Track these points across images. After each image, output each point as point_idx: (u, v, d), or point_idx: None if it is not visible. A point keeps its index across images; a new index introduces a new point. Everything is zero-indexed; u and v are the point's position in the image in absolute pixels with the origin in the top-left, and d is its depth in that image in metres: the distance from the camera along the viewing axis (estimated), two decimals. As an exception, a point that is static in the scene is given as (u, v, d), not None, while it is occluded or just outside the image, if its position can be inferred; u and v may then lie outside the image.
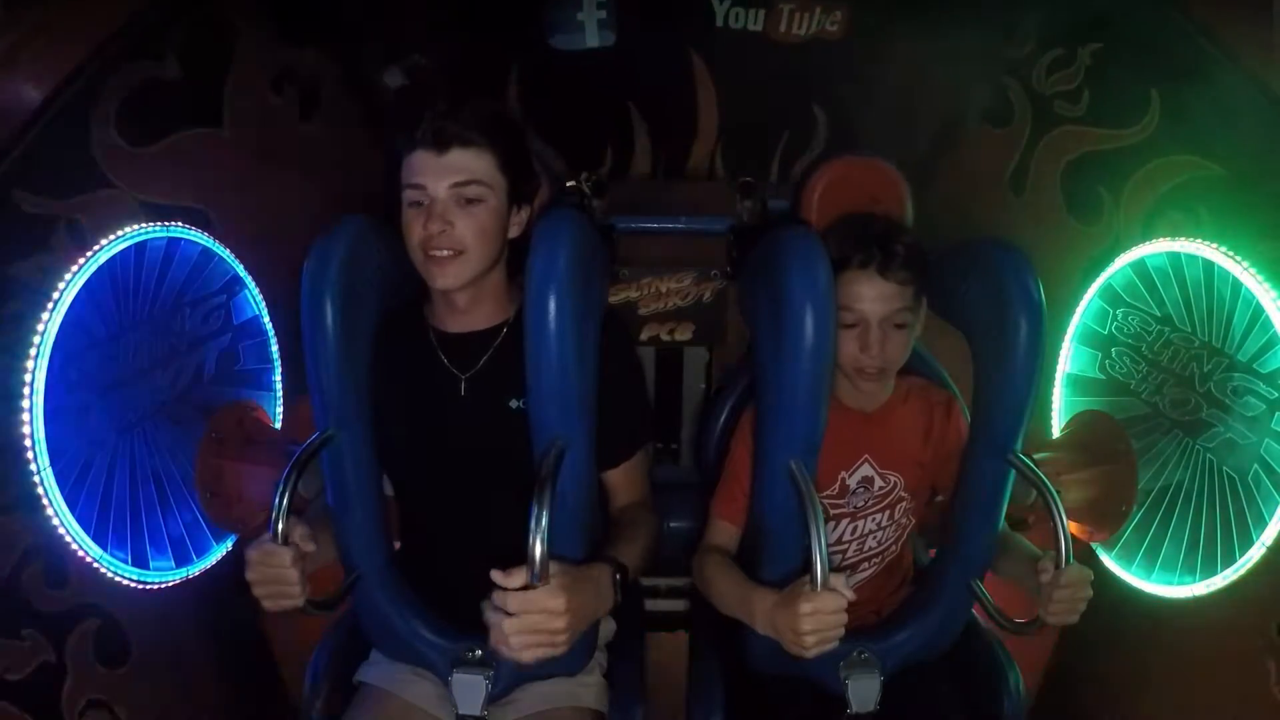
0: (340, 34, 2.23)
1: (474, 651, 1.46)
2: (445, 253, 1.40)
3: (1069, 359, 2.04)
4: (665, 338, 2.32)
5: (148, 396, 1.73)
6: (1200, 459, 1.72)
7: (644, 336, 2.31)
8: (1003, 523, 1.55)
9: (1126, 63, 1.87)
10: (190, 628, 1.88)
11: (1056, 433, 2.03)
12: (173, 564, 1.77)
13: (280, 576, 1.30)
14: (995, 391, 1.47)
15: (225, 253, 1.89)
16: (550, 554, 1.21)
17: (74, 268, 1.51)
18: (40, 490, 1.47)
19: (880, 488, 1.62)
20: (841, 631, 1.30)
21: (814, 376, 1.38)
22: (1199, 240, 1.67)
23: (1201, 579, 1.68)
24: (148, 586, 1.70)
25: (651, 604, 2.22)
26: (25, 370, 1.43)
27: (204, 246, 1.83)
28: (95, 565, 1.57)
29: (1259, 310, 1.57)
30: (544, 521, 1.19)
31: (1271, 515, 1.56)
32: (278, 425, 2.06)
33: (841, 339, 1.50)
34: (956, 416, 1.65)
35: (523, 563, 1.21)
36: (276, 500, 1.29)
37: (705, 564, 1.58)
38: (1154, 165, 1.80)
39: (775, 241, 1.45)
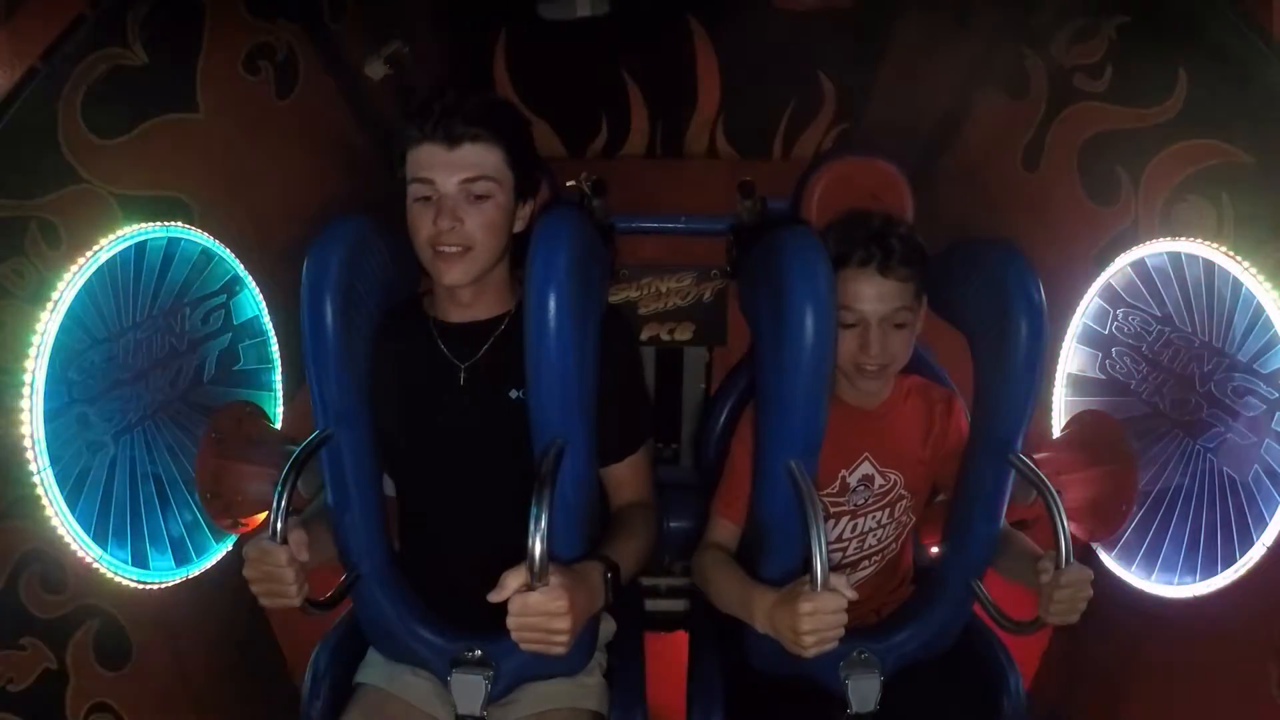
0: (313, 3, 2.14)
1: (473, 651, 1.46)
2: (454, 249, 1.41)
3: (1069, 359, 2.03)
4: (665, 338, 2.32)
5: (148, 396, 1.73)
6: (1200, 459, 1.72)
7: (644, 336, 2.31)
8: (1003, 523, 1.55)
9: (1154, 39, 1.79)
10: (190, 628, 1.87)
11: (1056, 433, 2.03)
12: (173, 564, 1.77)
13: (277, 575, 1.30)
14: (995, 391, 1.47)
15: (225, 253, 1.88)
16: (549, 553, 1.21)
17: (74, 268, 1.51)
18: (40, 491, 1.47)
19: (880, 486, 1.62)
20: (841, 631, 1.30)
21: (814, 376, 1.38)
22: (1198, 241, 1.67)
23: (1201, 579, 1.68)
24: (148, 586, 1.70)
25: (651, 604, 2.22)
26: (25, 370, 1.43)
27: (204, 246, 1.83)
28: (95, 565, 1.57)
29: (1259, 310, 1.57)
30: (543, 520, 1.19)
31: (1271, 515, 1.56)
32: (278, 425, 2.06)
33: (841, 338, 1.50)
34: (957, 415, 1.65)
35: (521, 560, 1.21)
36: (275, 499, 1.30)
37: (705, 563, 1.58)
38: (1177, 148, 1.73)
39: (775, 241, 1.45)
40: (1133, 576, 1.82)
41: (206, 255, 1.84)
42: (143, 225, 1.65)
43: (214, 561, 1.88)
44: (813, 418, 1.41)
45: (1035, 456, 1.70)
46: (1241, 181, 1.61)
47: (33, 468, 1.45)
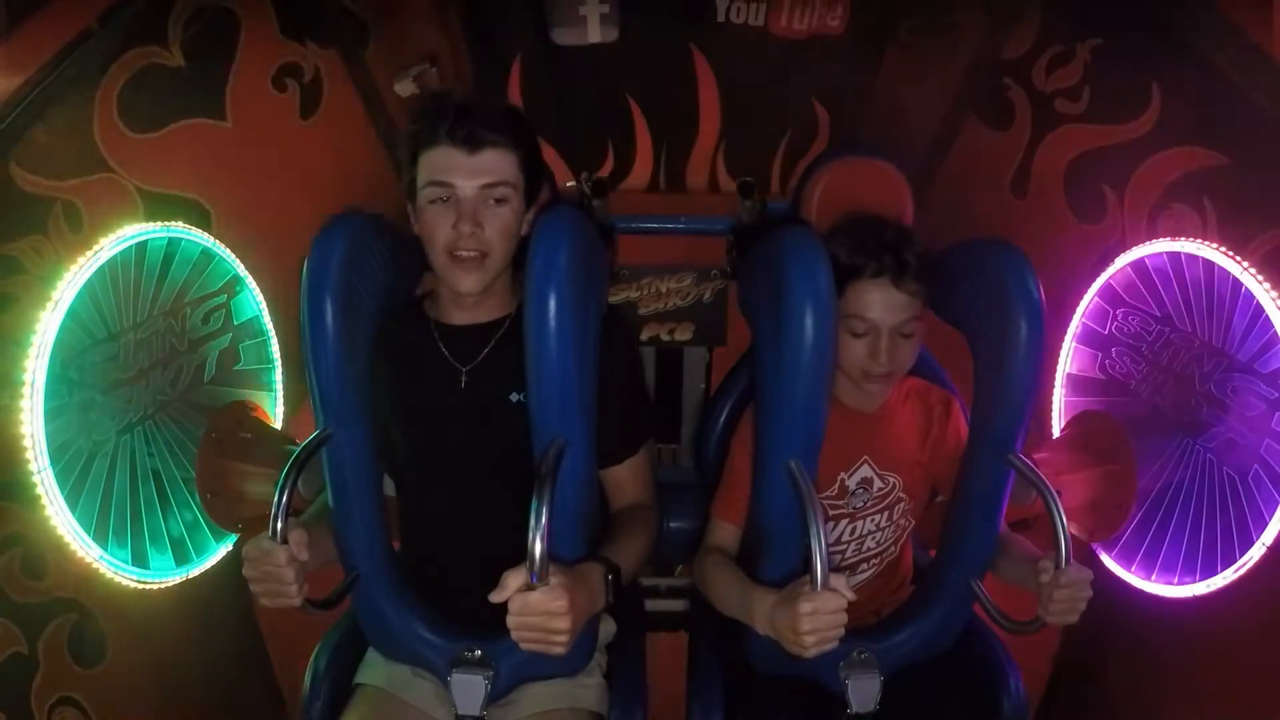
0: (342, 30, 2.21)
1: (473, 652, 1.46)
2: (472, 254, 1.41)
3: (1069, 359, 2.03)
4: (665, 338, 2.32)
5: (148, 396, 1.73)
6: (1200, 459, 1.72)
7: (644, 336, 2.31)
8: (1003, 523, 1.55)
9: (1126, 55, 1.83)
10: (189, 627, 1.87)
11: (1056, 433, 2.03)
12: (173, 564, 1.77)
13: (277, 575, 1.30)
14: (995, 391, 1.47)
15: (225, 253, 1.89)
16: (549, 554, 1.21)
17: (74, 267, 1.51)
18: (41, 490, 1.47)
19: (879, 489, 1.62)
20: (841, 632, 1.30)
21: (814, 376, 1.37)
22: (1198, 241, 1.67)
23: (1201, 579, 1.68)
24: (148, 586, 1.70)
25: (651, 604, 2.22)
26: (25, 369, 1.43)
27: (204, 247, 1.83)
28: (93, 565, 1.57)
29: (1259, 310, 1.57)
30: (544, 520, 1.19)
31: (1271, 515, 1.56)
32: (278, 425, 2.06)
33: (851, 346, 1.50)
34: (956, 417, 1.65)
35: (521, 561, 1.21)
36: (275, 499, 1.29)
37: (705, 564, 1.58)
38: (1158, 159, 1.77)
39: (775, 241, 1.45)
40: (1133, 576, 1.82)
41: (207, 255, 1.84)
42: (143, 225, 1.65)
43: (214, 561, 1.88)
44: (813, 418, 1.41)
45: (1035, 456, 1.70)
46: (1220, 182, 1.64)
47: (33, 467, 1.45)
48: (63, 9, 1.47)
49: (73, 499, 1.53)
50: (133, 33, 1.58)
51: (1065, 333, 2.02)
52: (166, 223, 1.71)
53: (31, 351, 1.44)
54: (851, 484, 1.61)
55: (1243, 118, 1.57)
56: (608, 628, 1.66)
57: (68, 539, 1.52)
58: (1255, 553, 1.58)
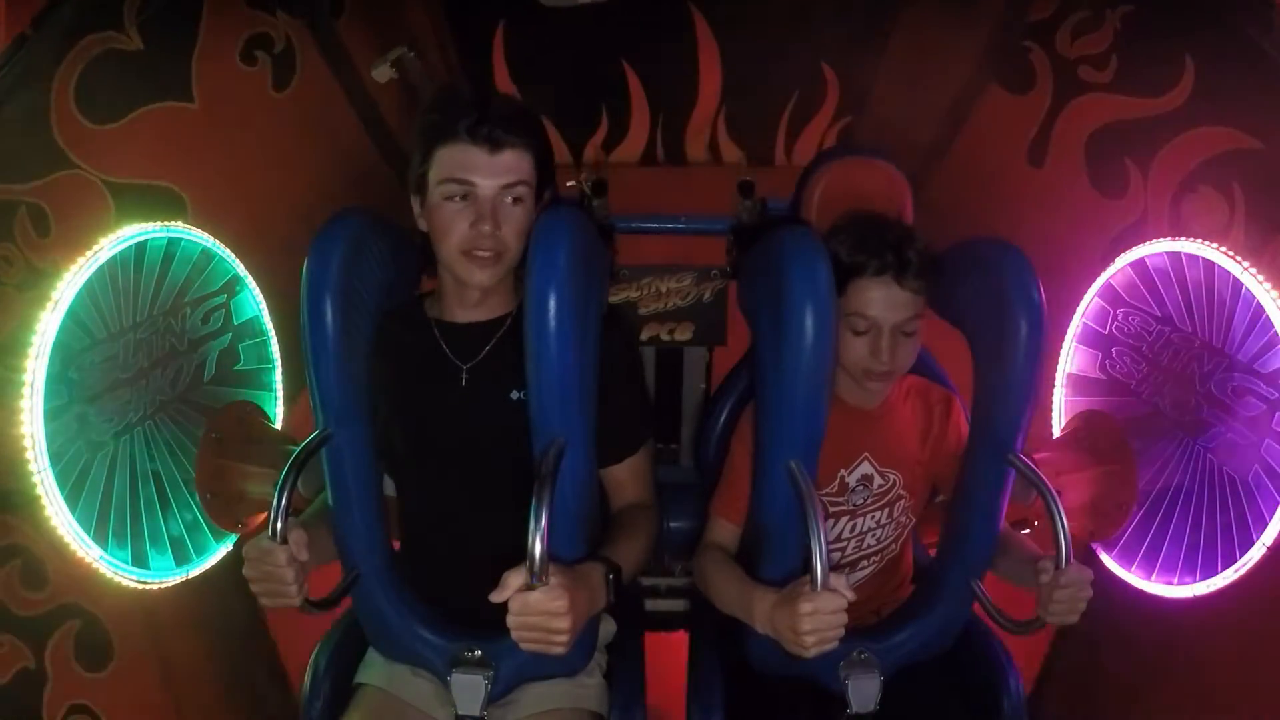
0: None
1: (473, 651, 1.46)
2: (488, 254, 1.41)
3: (1069, 359, 2.03)
4: (665, 338, 2.32)
5: (148, 396, 1.73)
6: (1200, 459, 1.72)
7: (644, 336, 2.31)
8: (1003, 523, 1.55)
9: (1160, 26, 1.76)
10: (181, 629, 1.86)
11: (1056, 433, 2.03)
12: (173, 564, 1.77)
13: (277, 575, 1.30)
14: (995, 391, 1.47)
15: (225, 253, 1.88)
16: (549, 553, 1.21)
17: (74, 268, 1.51)
18: (40, 491, 1.47)
19: (879, 486, 1.62)
20: (841, 631, 1.30)
21: (814, 376, 1.37)
22: (1202, 240, 1.67)
23: (1201, 579, 1.68)
24: (148, 586, 1.70)
25: (651, 604, 2.22)
26: (25, 370, 1.43)
27: (204, 246, 1.83)
28: (92, 565, 1.57)
29: (1259, 310, 1.57)
30: (544, 520, 1.19)
31: (1271, 515, 1.56)
32: (278, 425, 2.06)
33: (852, 344, 1.50)
34: (956, 416, 1.65)
35: (521, 561, 1.21)
36: (275, 499, 1.30)
37: (705, 563, 1.58)
38: (1187, 136, 1.71)
39: (775, 241, 1.45)
40: (1133, 576, 1.82)
41: (206, 255, 1.84)
42: (143, 225, 1.65)
43: (214, 561, 1.88)
44: (813, 418, 1.41)
45: (1035, 456, 1.70)
46: (1252, 169, 1.59)
47: (33, 468, 1.45)
48: (3, 4, 1.39)
49: (72, 500, 1.53)
50: (86, 20, 1.51)
51: (1065, 333, 2.01)
52: (166, 223, 1.71)
53: (31, 352, 1.44)
54: (852, 481, 1.61)
55: None
56: (608, 628, 1.66)
57: (68, 540, 1.51)
58: (1255, 553, 1.58)
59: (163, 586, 1.73)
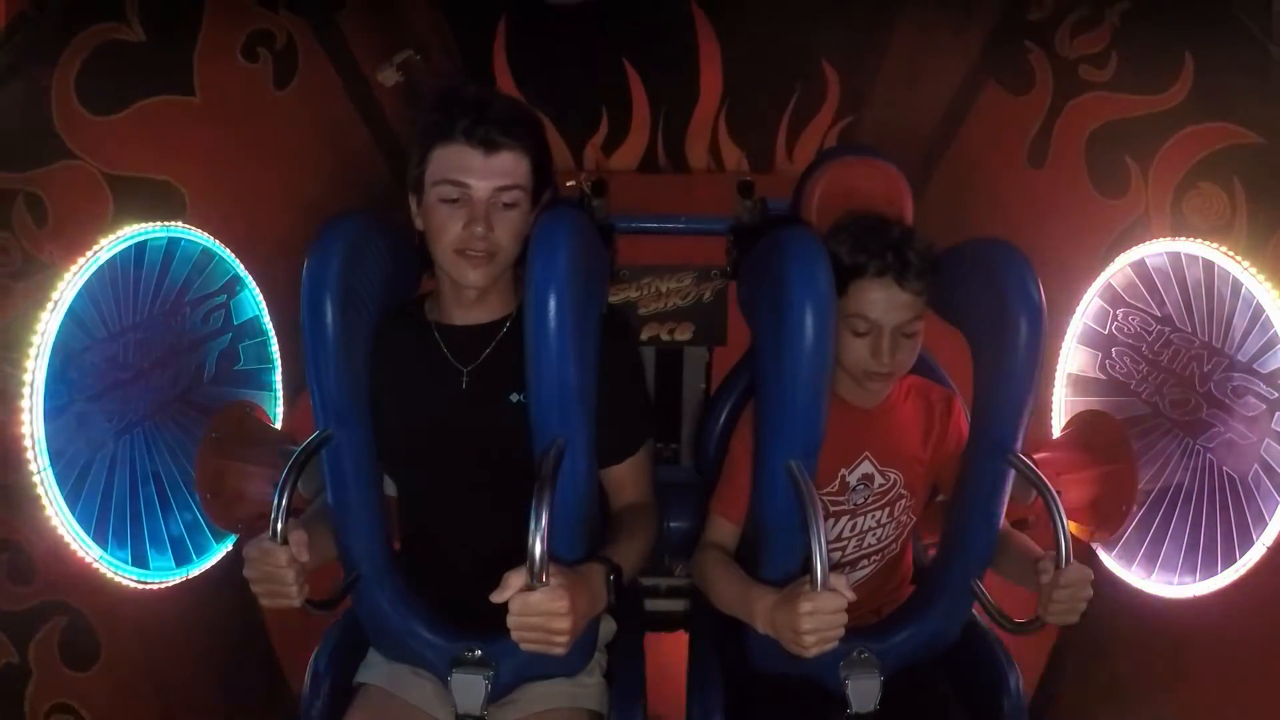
0: None
1: (473, 651, 1.46)
2: (481, 254, 1.41)
3: (1069, 359, 2.03)
4: (665, 338, 2.32)
5: (148, 396, 1.73)
6: (1200, 459, 1.72)
7: (644, 336, 2.31)
8: (1003, 522, 1.55)
9: (1158, 23, 1.77)
10: (182, 628, 1.86)
11: (1056, 433, 2.03)
12: (173, 564, 1.77)
13: (278, 576, 1.30)
14: (995, 391, 1.47)
15: (225, 253, 1.88)
16: (550, 554, 1.21)
17: (74, 268, 1.51)
18: (40, 490, 1.47)
19: (880, 485, 1.62)
20: (841, 631, 1.30)
21: (814, 376, 1.37)
22: (1202, 240, 1.67)
23: (1201, 579, 1.68)
24: (148, 586, 1.70)
25: (651, 604, 2.22)
26: (25, 370, 1.43)
27: (204, 246, 1.83)
28: (90, 563, 1.56)
29: (1259, 310, 1.57)
30: (544, 521, 1.19)
31: (1271, 515, 1.56)
32: (278, 425, 2.06)
33: (853, 345, 1.50)
34: (957, 415, 1.65)
35: (522, 562, 1.21)
36: (275, 500, 1.29)
37: (705, 562, 1.58)
38: (1187, 133, 1.71)
39: (775, 241, 1.45)
40: (1133, 576, 1.83)
41: (207, 255, 1.84)
42: (143, 225, 1.65)
43: (214, 561, 1.88)
44: (813, 418, 1.41)
45: (1035, 456, 1.70)
46: (1253, 165, 1.59)
47: (33, 467, 1.45)
48: None
49: (72, 500, 1.53)
50: (88, 10, 1.50)
51: (1065, 333, 2.01)
52: (166, 222, 1.71)
53: (31, 352, 1.44)
54: (852, 480, 1.61)
55: None
56: (608, 627, 1.66)
57: (67, 539, 1.51)
58: (1255, 553, 1.58)
59: (162, 586, 1.73)
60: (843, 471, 1.61)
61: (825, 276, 1.36)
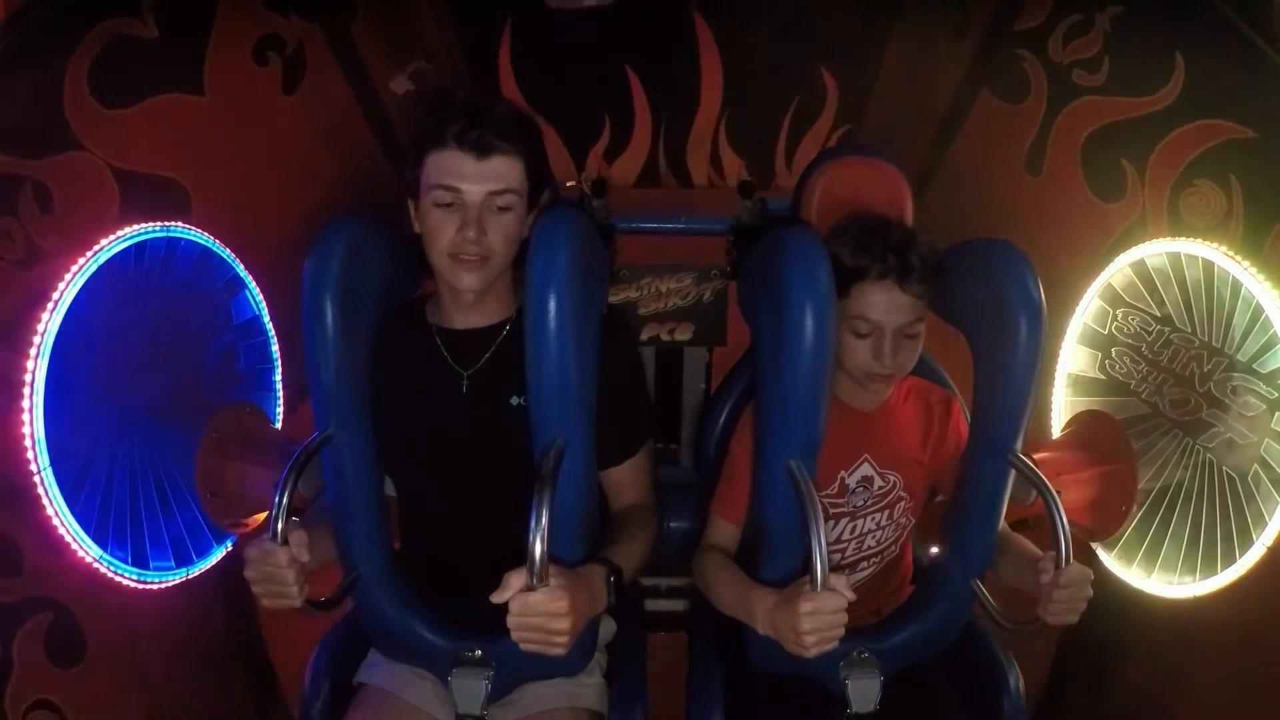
0: (326, 1, 2.11)
1: (473, 651, 1.46)
2: (474, 258, 1.41)
3: (1069, 359, 2.03)
4: (665, 338, 2.32)
5: (148, 397, 1.73)
6: (1200, 459, 1.72)
7: (644, 336, 2.31)
8: (1003, 523, 1.55)
9: (1148, 26, 1.78)
10: (184, 628, 1.86)
11: (1056, 433, 2.03)
12: (173, 564, 1.77)
13: (278, 576, 1.30)
14: (995, 391, 1.47)
15: (225, 253, 1.88)
16: (550, 554, 1.21)
17: (74, 267, 1.51)
18: (40, 490, 1.47)
19: (880, 487, 1.62)
20: (841, 632, 1.30)
21: (814, 376, 1.37)
22: (1198, 241, 1.67)
23: (1201, 579, 1.68)
24: (148, 586, 1.69)
25: (651, 604, 2.22)
26: (25, 370, 1.43)
27: (204, 246, 1.83)
28: (90, 562, 1.56)
29: (1259, 310, 1.57)
30: (544, 522, 1.19)
31: (1271, 515, 1.56)
32: (278, 425, 2.06)
33: (855, 347, 1.50)
34: (956, 417, 1.65)
35: (522, 562, 1.21)
36: (276, 500, 1.29)
37: (705, 563, 1.58)
38: (1181, 132, 1.72)
39: (775, 241, 1.45)
40: (1133, 576, 1.83)
41: (207, 255, 1.84)
42: (144, 224, 1.65)
43: (213, 562, 1.88)
44: (813, 418, 1.41)
45: (1035, 456, 1.70)
46: (1248, 158, 1.59)
47: (33, 467, 1.45)
48: None
49: (72, 499, 1.53)
50: (104, 3, 1.51)
51: (1065, 333, 2.01)
52: (167, 222, 1.71)
53: (31, 351, 1.44)
54: (852, 482, 1.61)
55: (1272, 89, 1.52)
56: (608, 628, 1.66)
57: (67, 539, 1.51)
58: (1255, 553, 1.58)
59: (162, 586, 1.73)
60: (842, 474, 1.61)
61: (825, 277, 1.36)
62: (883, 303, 1.48)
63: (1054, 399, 2.06)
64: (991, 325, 1.45)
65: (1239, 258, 1.59)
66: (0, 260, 1.40)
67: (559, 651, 1.28)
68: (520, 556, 1.21)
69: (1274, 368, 1.56)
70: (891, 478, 1.62)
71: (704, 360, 2.44)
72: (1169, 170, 1.76)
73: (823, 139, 2.72)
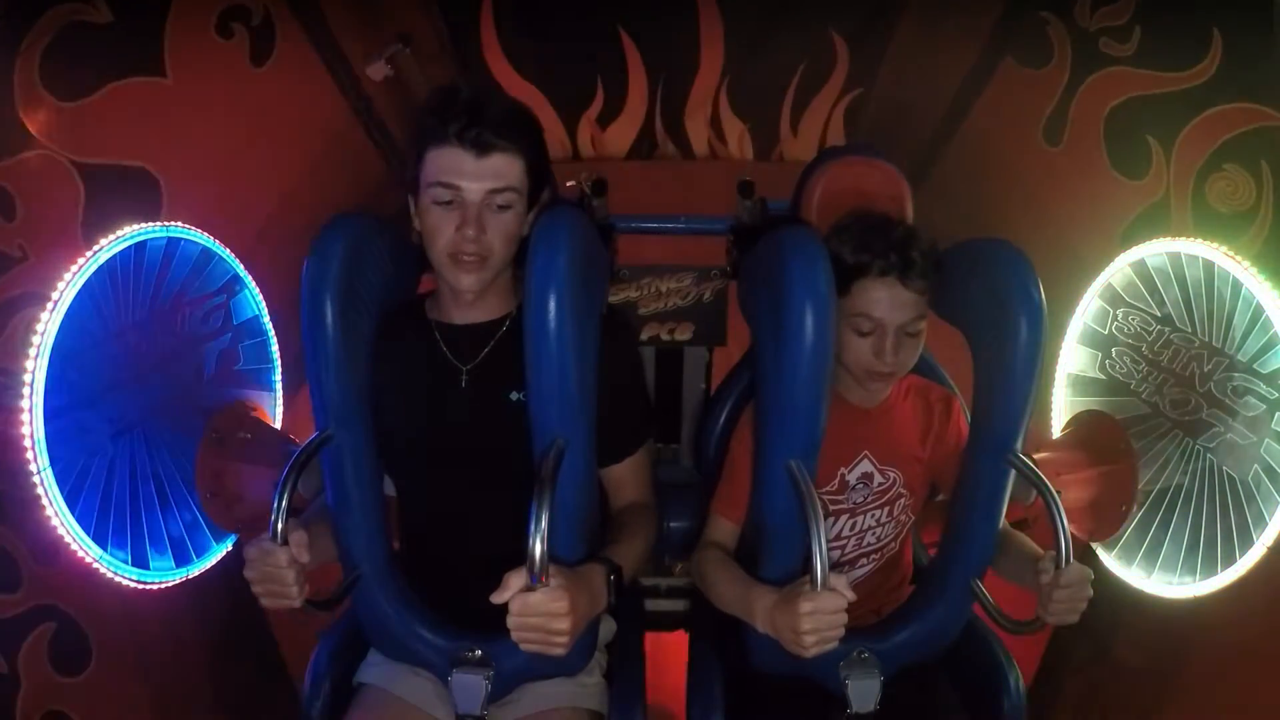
0: None
1: (473, 651, 1.46)
2: (473, 258, 1.41)
3: (1069, 359, 2.03)
4: (665, 338, 2.32)
5: (147, 396, 1.73)
6: (1200, 459, 1.72)
7: (644, 336, 2.31)
8: (1003, 522, 1.55)
9: None
10: (177, 629, 1.85)
11: (1056, 433, 2.03)
12: (173, 564, 1.77)
13: (278, 576, 1.30)
14: (995, 391, 1.47)
15: (225, 253, 1.88)
16: (550, 554, 1.21)
17: (74, 268, 1.51)
18: (40, 491, 1.47)
19: (880, 484, 1.62)
20: (841, 631, 1.30)
21: (814, 376, 1.37)
22: (1198, 241, 1.67)
23: (1201, 579, 1.68)
24: (148, 587, 1.69)
25: (651, 604, 2.22)
26: (25, 370, 1.43)
27: (204, 246, 1.82)
28: (90, 562, 1.56)
29: (1259, 310, 1.57)
30: (544, 521, 1.19)
31: (1271, 515, 1.56)
32: (278, 425, 2.06)
33: (856, 345, 1.50)
34: (956, 415, 1.65)
35: (521, 562, 1.21)
36: (276, 500, 1.30)
37: (705, 562, 1.58)
38: (1213, 113, 1.66)
39: (775, 241, 1.45)
40: (1133, 576, 1.83)
41: (206, 255, 1.84)
42: (143, 224, 1.65)
43: (214, 561, 1.88)
44: (813, 418, 1.41)
45: (1035, 456, 1.70)
46: None
47: (32, 468, 1.45)
48: None
49: (71, 500, 1.53)
50: None
51: (1065, 333, 2.01)
52: (166, 223, 1.71)
53: (31, 352, 1.43)
54: (852, 479, 1.61)
55: None
56: (608, 627, 1.66)
57: (67, 539, 1.51)
58: (1255, 553, 1.58)
59: (162, 587, 1.73)
60: (842, 470, 1.61)
61: (825, 276, 1.36)
62: (885, 299, 1.48)
63: (1054, 399, 2.05)
64: (991, 325, 1.44)
65: (1241, 259, 1.57)
66: None
67: (559, 652, 1.28)
68: (520, 556, 1.21)
69: (1274, 368, 1.56)
70: (891, 474, 1.63)
71: (704, 360, 2.44)
72: (1198, 152, 1.70)
73: (831, 104, 2.58)
